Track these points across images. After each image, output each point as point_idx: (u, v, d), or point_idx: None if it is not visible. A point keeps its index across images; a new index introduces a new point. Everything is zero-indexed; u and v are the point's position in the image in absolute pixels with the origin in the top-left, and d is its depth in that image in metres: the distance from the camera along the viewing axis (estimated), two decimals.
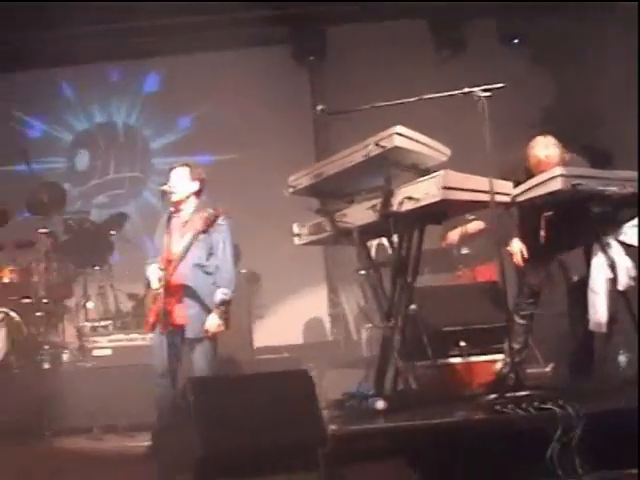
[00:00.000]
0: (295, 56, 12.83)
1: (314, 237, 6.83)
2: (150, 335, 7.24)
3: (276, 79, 12.26)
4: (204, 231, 6.44)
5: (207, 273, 6.93)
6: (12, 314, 9.69)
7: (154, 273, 6.91)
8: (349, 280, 11.81)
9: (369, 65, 11.84)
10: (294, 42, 12.84)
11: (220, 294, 6.87)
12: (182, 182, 7.01)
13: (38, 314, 9.87)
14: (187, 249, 6.61)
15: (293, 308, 11.98)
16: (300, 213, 7.14)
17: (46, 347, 9.59)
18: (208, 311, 6.84)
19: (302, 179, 6.69)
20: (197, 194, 7.13)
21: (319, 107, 6.41)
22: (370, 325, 9.72)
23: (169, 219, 6.81)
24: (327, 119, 10.80)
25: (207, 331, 6.78)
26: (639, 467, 4.69)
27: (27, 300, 9.99)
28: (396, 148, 5.97)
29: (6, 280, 10.05)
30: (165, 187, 6.84)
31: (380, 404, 6.03)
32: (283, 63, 12.72)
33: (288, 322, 11.76)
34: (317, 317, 12.21)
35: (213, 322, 6.80)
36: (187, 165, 7.12)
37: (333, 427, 5.53)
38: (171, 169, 7.14)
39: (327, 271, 12.38)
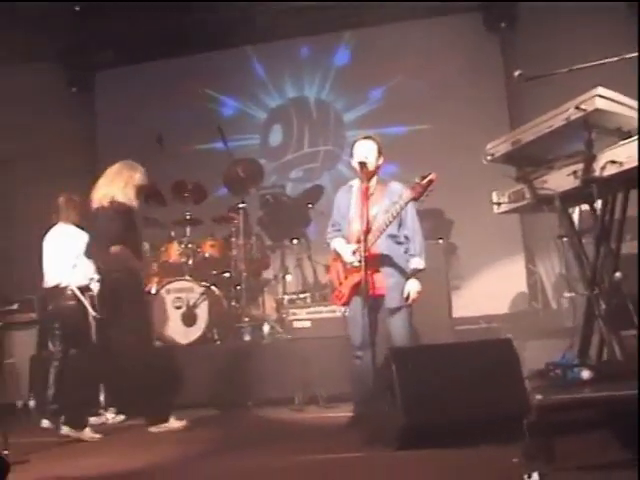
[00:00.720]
0: (486, 23, 12.64)
1: (514, 205, 6.67)
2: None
3: (467, 47, 12.14)
4: (416, 199, 6.41)
5: (398, 243, 6.98)
6: (213, 288, 9.96)
7: (346, 247, 6.99)
8: (547, 249, 11.61)
9: (561, 29, 11.51)
10: (485, 9, 12.65)
11: (414, 263, 6.90)
12: (374, 156, 7.02)
13: (238, 287, 10.11)
14: (393, 219, 6.61)
15: (490, 278, 11.88)
16: (496, 181, 7.02)
17: (246, 320, 9.82)
18: (405, 280, 6.88)
19: (500, 146, 6.56)
20: (379, 167, 7.14)
21: (516, 72, 6.23)
22: (570, 294, 9.51)
23: (363, 191, 6.78)
24: (520, 85, 10.60)
25: (407, 298, 6.80)
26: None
27: (227, 274, 10.24)
28: (597, 111, 5.77)
29: (206, 255, 10.33)
30: (363, 159, 6.85)
31: (585, 374, 5.87)
32: (474, 31, 12.55)
33: (485, 292, 11.65)
34: (514, 287, 12.03)
35: (413, 287, 6.84)
36: (372, 138, 7.11)
37: (539, 397, 5.42)
38: (354, 142, 7.17)
39: (524, 240, 12.17)
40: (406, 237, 6.97)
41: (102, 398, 8.66)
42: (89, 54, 14.12)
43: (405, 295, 6.82)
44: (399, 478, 5.23)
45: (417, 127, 12.48)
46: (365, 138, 7.09)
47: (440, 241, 9.32)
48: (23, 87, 12.79)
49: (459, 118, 11.93)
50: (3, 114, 12.62)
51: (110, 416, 8.63)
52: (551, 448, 4.73)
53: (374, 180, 7.05)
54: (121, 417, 8.70)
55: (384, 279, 6.86)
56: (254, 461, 6.06)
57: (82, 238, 8.50)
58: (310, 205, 10.81)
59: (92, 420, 8.48)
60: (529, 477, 4.39)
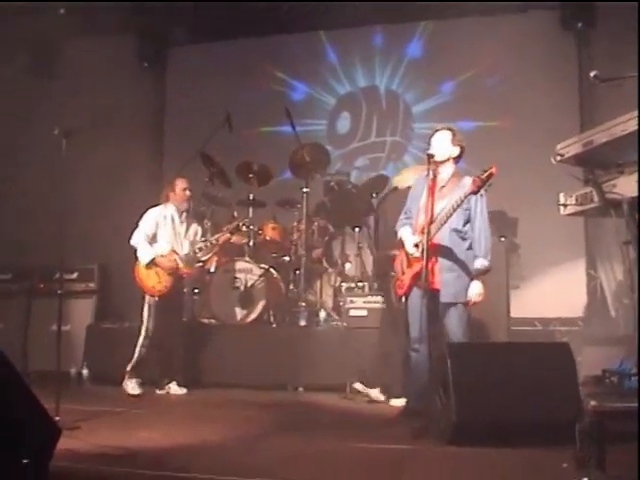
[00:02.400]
0: (563, 23, 12.47)
1: (581, 208, 6.61)
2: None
3: (542, 46, 11.97)
4: (475, 192, 6.35)
5: (463, 239, 6.91)
6: (272, 271, 9.99)
7: (410, 238, 6.96)
8: (608, 254, 11.45)
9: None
10: (563, 8, 12.48)
11: (479, 264, 6.82)
12: (444, 145, 6.98)
13: (297, 272, 10.13)
14: (453, 212, 6.57)
15: (549, 280, 11.69)
16: (563, 182, 6.96)
17: (303, 304, 9.82)
18: (464, 276, 6.84)
19: (570, 147, 6.50)
20: (455, 160, 7.10)
21: (592, 73, 6.17)
22: (631, 301, 9.38)
23: (430, 183, 6.73)
24: (594, 87, 10.47)
25: (469, 300, 6.75)
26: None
27: (287, 258, 10.27)
28: None
29: (267, 237, 10.36)
30: (430, 151, 6.80)
31: None
32: (550, 30, 12.39)
33: (543, 294, 11.50)
34: (573, 291, 11.84)
35: (475, 290, 6.78)
36: (450, 129, 7.08)
37: (593, 403, 5.37)
38: (434, 132, 7.13)
39: (587, 244, 12.01)
40: (472, 233, 6.91)
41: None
42: (162, 30, 14.20)
43: (468, 298, 6.78)
44: (447, 474, 5.21)
45: (486, 123, 12.34)
46: (442, 129, 7.07)
47: (502, 239, 9.24)
48: (95, 60, 12.90)
49: (529, 116, 11.79)
50: (74, 85, 12.77)
51: (174, 387, 8.80)
52: (602, 456, 4.67)
53: (448, 172, 7.02)
54: (184, 390, 8.89)
55: (441, 273, 6.82)
56: (301, 444, 6.08)
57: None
58: (374, 195, 10.78)
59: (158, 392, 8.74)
60: None
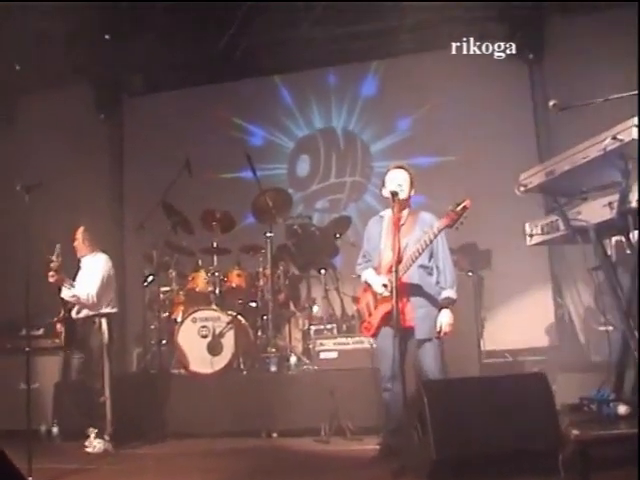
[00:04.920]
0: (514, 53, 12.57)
1: (547, 237, 6.62)
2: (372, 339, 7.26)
3: (495, 78, 12.04)
4: (450, 226, 6.33)
5: (429, 274, 6.90)
6: (239, 318, 9.92)
7: (377, 278, 6.91)
8: (574, 281, 11.46)
9: (590, 59, 11.42)
10: (512, 40, 12.58)
11: (446, 295, 6.80)
12: (406, 185, 6.96)
13: (264, 317, 10.07)
14: (425, 248, 6.54)
15: (516, 311, 11.68)
16: (525, 212, 6.98)
17: (272, 350, 9.75)
18: (435, 311, 6.80)
19: (533, 177, 6.53)
20: (410, 197, 7.09)
21: (551, 102, 6.21)
22: (604, 327, 9.39)
23: (395, 221, 6.71)
24: (549, 116, 10.54)
25: (440, 330, 6.70)
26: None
27: (253, 304, 10.21)
28: (634, 141, 5.72)
29: (233, 284, 10.30)
30: (396, 188, 6.78)
31: (622, 409, 5.80)
32: (502, 61, 12.47)
33: (511, 325, 11.50)
34: (541, 320, 11.87)
35: (445, 319, 6.73)
36: (404, 168, 7.06)
37: (575, 432, 5.33)
38: (386, 171, 7.11)
39: (552, 271, 12.02)
40: (437, 268, 6.90)
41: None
42: (118, 81, 14.19)
43: (438, 328, 6.72)
44: None
45: (444, 158, 12.39)
46: (397, 168, 7.05)
47: (470, 274, 9.26)
48: (51, 112, 12.83)
49: (486, 149, 11.86)
50: (32, 139, 12.68)
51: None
52: None
53: (405, 210, 6.99)
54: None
55: (414, 310, 6.79)
56: None
57: None
58: (338, 236, 10.76)
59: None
60: None
